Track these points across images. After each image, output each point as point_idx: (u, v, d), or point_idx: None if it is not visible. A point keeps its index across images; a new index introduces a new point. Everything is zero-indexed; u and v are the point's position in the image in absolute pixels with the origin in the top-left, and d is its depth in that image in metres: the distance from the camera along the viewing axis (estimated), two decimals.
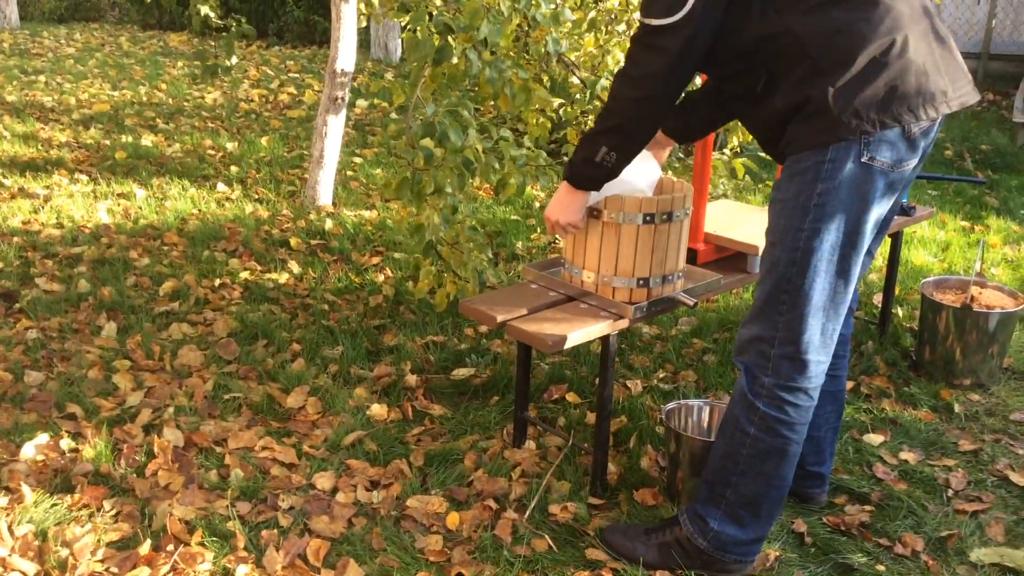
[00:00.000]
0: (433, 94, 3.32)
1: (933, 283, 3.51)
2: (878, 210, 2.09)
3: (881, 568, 2.39)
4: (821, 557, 2.44)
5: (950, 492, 2.73)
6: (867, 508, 2.64)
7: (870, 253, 2.31)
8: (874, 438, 2.98)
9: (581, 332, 2.39)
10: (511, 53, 3.78)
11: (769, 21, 2.01)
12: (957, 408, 3.18)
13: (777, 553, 2.43)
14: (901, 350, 3.56)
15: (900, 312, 3.82)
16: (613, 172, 2.25)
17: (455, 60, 3.13)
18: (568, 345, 2.38)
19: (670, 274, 2.52)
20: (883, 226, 2.28)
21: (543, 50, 3.58)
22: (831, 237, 2.06)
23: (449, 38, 3.08)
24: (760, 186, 5.58)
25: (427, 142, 3.00)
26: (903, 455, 2.90)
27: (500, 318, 2.46)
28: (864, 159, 2.01)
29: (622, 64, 2.22)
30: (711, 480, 2.31)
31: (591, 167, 2.25)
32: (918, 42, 2.00)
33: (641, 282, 2.47)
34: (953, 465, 2.86)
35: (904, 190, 2.20)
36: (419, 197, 3.04)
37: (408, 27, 3.49)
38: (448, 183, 3.09)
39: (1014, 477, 2.79)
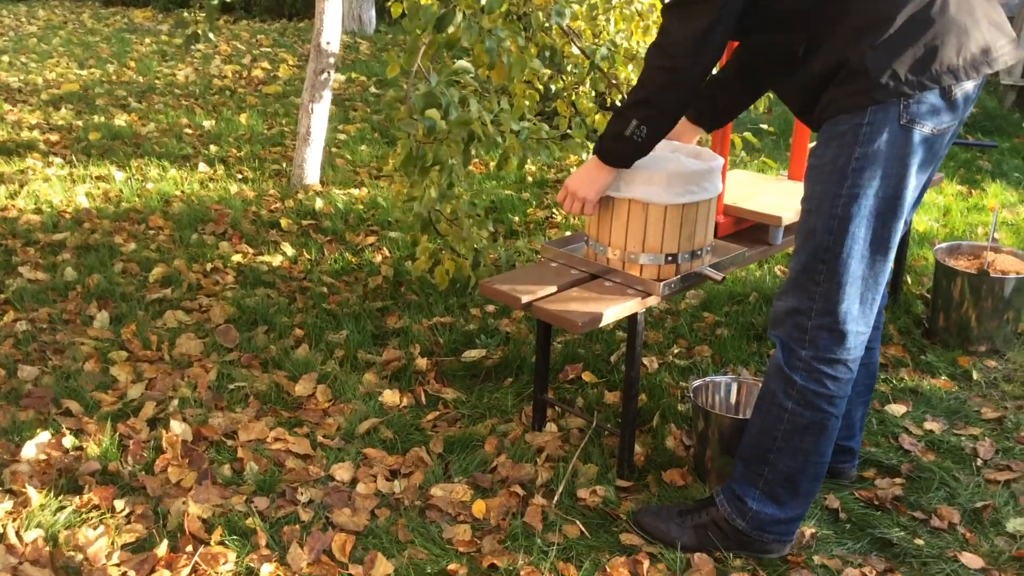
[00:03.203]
0: (432, 63, 3.20)
1: (946, 249, 3.47)
2: (919, 174, 2.02)
3: (919, 542, 2.35)
4: (858, 533, 2.39)
5: (979, 462, 2.69)
6: (898, 481, 2.59)
7: (906, 220, 2.24)
8: (896, 408, 2.94)
9: (611, 311, 2.31)
10: (502, 22, 3.66)
11: None
12: (976, 375, 3.15)
13: (813, 530, 2.38)
14: (913, 317, 3.52)
15: (909, 279, 3.78)
16: (644, 148, 2.17)
17: (451, 29, 3.01)
18: (601, 324, 2.29)
19: (698, 249, 2.44)
20: (922, 191, 2.20)
21: (542, 19, 3.47)
22: (870, 203, 1.99)
23: (451, 3, 2.96)
24: (756, 161, 5.51)
25: (432, 113, 2.89)
26: (928, 425, 2.86)
27: (525, 299, 2.37)
28: (903, 121, 1.94)
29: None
30: (748, 458, 2.24)
31: (621, 141, 2.17)
32: None
33: (670, 258, 2.39)
34: (979, 434, 2.82)
35: (944, 153, 2.13)
36: (423, 171, 2.92)
37: None
38: (452, 157, 2.98)
39: None
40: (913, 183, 2.02)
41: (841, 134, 1.99)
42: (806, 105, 2.10)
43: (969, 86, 1.98)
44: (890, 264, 2.09)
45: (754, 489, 2.23)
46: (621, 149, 2.20)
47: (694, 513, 2.33)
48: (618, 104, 4.06)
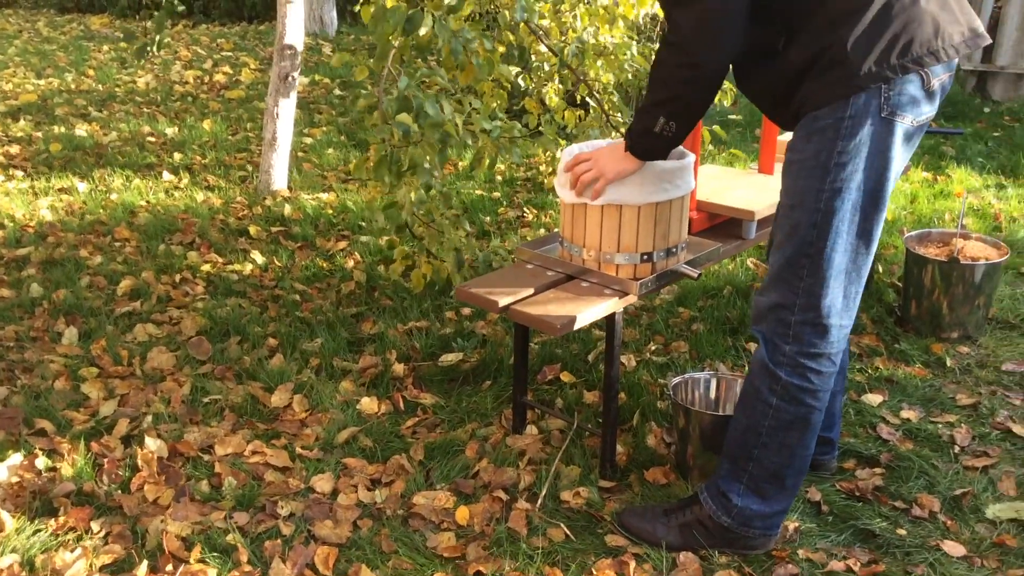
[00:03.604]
0: (401, 66, 3.18)
1: (915, 237, 3.49)
2: (898, 166, 2.03)
3: (902, 532, 2.36)
4: (840, 525, 2.40)
5: (956, 449, 2.71)
6: (878, 471, 2.61)
7: None
8: (873, 398, 2.96)
9: (589, 312, 2.30)
10: (469, 23, 3.64)
11: None
12: (949, 362, 3.17)
13: (796, 524, 2.38)
14: (885, 306, 3.55)
15: (880, 268, 3.80)
16: (676, 140, 2.15)
17: (423, 31, 2.99)
18: (577, 326, 2.28)
19: (673, 246, 2.44)
20: None
21: (509, 18, 3.45)
22: (853, 197, 2.00)
23: (419, 5, 2.93)
24: (724, 154, 5.53)
25: (404, 117, 2.86)
26: (904, 414, 2.88)
27: (502, 302, 2.36)
28: (884, 114, 1.94)
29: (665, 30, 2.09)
30: (732, 454, 2.24)
31: (652, 138, 2.15)
32: None
33: (645, 257, 2.38)
34: (955, 421, 2.84)
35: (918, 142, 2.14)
36: (398, 176, 2.89)
37: None
38: (427, 160, 2.95)
39: (1017, 429, 2.79)
40: (894, 174, 2.03)
41: (823, 128, 1.98)
42: (781, 100, 2.09)
43: (944, 75, 2.00)
44: (872, 255, 2.10)
45: (739, 485, 2.23)
46: (653, 144, 2.18)
47: (679, 512, 2.32)
48: (587, 99, 4.06)
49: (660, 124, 2.10)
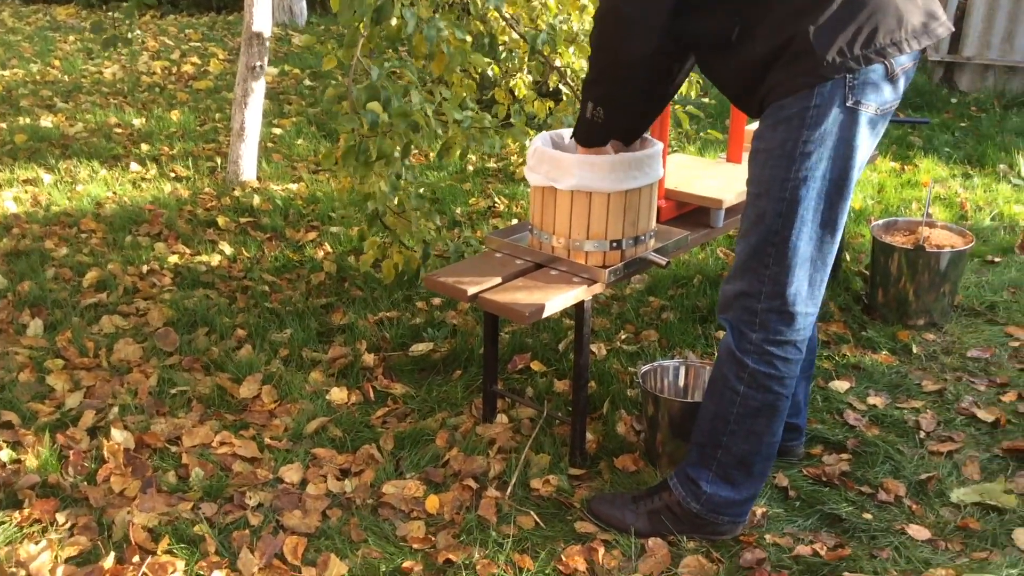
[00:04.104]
0: (370, 55, 3.15)
1: (882, 226, 3.52)
2: (863, 154, 2.04)
3: (868, 516, 2.38)
4: (807, 510, 2.42)
5: (922, 434, 2.74)
6: (844, 456, 2.63)
7: None
8: (840, 385, 2.98)
9: (558, 300, 2.30)
10: (441, 13, 3.62)
11: None
12: (915, 349, 3.21)
13: (764, 509, 2.40)
14: (853, 294, 3.58)
15: (847, 256, 3.84)
16: (609, 128, 2.18)
17: (394, 22, 2.97)
18: (546, 314, 2.28)
19: (642, 234, 2.44)
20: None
21: (480, 6, 3.44)
22: (818, 185, 2.01)
23: None
24: (702, 134, 5.55)
25: (373, 106, 2.84)
26: (871, 400, 2.90)
27: (471, 291, 2.35)
28: (849, 103, 1.96)
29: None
30: (701, 442, 2.25)
31: (584, 124, 2.20)
32: None
33: (614, 244, 2.39)
34: (921, 407, 2.87)
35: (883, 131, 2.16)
36: (367, 166, 2.88)
37: None
38: (393, 151, 2.94)
39: (980, 414, 2.82)
40: (859, 163, 2.05)
41: (788, 118, 1.99)
42: (746, 90, 2.10)
43: (908, 64, 2.01)
44: (837, 244, 2.11)
45: (708, 472, 2.24)
46: (586, 131, 2.22)
47: (647, 499, 2.34)
48: (560, 87, 4.06)
49: (589, 109, 2.13)
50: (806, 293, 2.10)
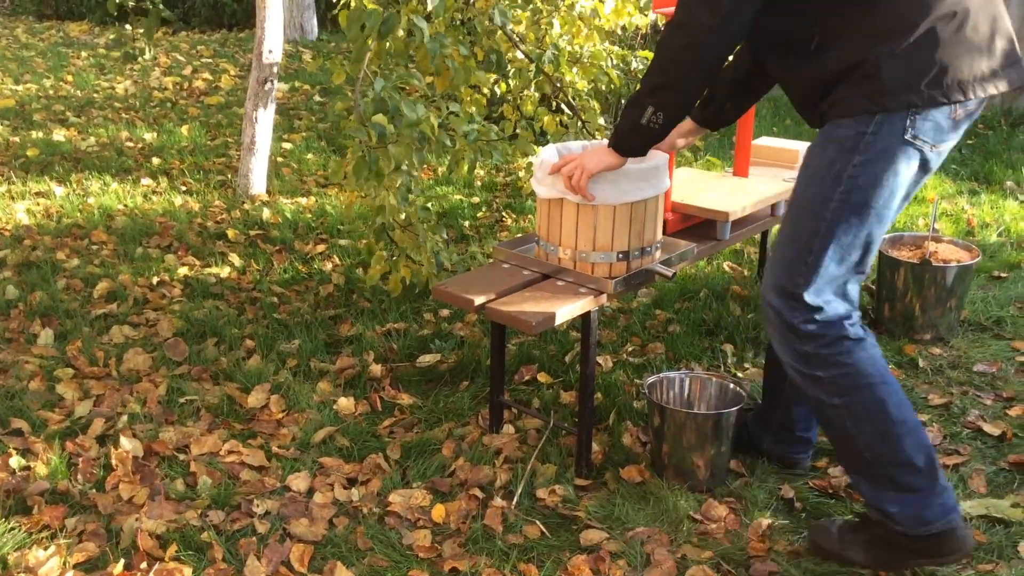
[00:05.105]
0: (378, 68, 3.19)
1: (888, 240, 3.53)
2: (910, 187, 2.03)
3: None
4: (813, 522, 2.42)
5: None
6: None
7: None
8: None
9: (566, 310, 2.32)
10: (446, 29, 3.66)
11: None
12: (922, 363, 3.21)
13: (770, 521, 2.40)
14: (859, 308, 3.57)
15: None
16: (661, 135, 2.15)
17: (401, 33, 3.00)
18: (553, 324, 2.30)
19: (648, 246, 2.46)
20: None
21: (486, 22, 3.47)
22: (859, 211, 2.00)
23: (393, 8, 2.94)
24: (701, 161, 5.57)
25: (380, 118, 2.87)
26: None
27: (478, 301, 2.37)
28: (907, 136, 1.95)
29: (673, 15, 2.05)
30: (855, 470, 2.18)
31: (638, 131, 2.15)
32: (978, 17, 1.95)
33: (621, 256, 2.41)
34: (927, 420, 2.87)
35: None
36: (378, 177, 2.90)
37: (344, 0, 3.34)
38: (405, 161, 2.96)
39: (987, 428, 2.82)
40: (903, 193, 2.03)
41: (842, 139, 1.99)
42: (809, 100, 2.10)
43: (973, 107, 2.00)
44: (868, 269, 2.11)
45: (883, 491, 2.15)
46: (638, 138, 2.17)
47: (863, 528, 2.24)
48: (563, 106, 4.08)
49: (648, 115, 2.09)
50: (841, 302, 2.10)
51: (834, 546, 2.24)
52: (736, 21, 1.98)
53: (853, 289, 2.13)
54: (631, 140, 2.21)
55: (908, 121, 1.94)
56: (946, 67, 1.93)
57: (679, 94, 2.09)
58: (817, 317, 2.08)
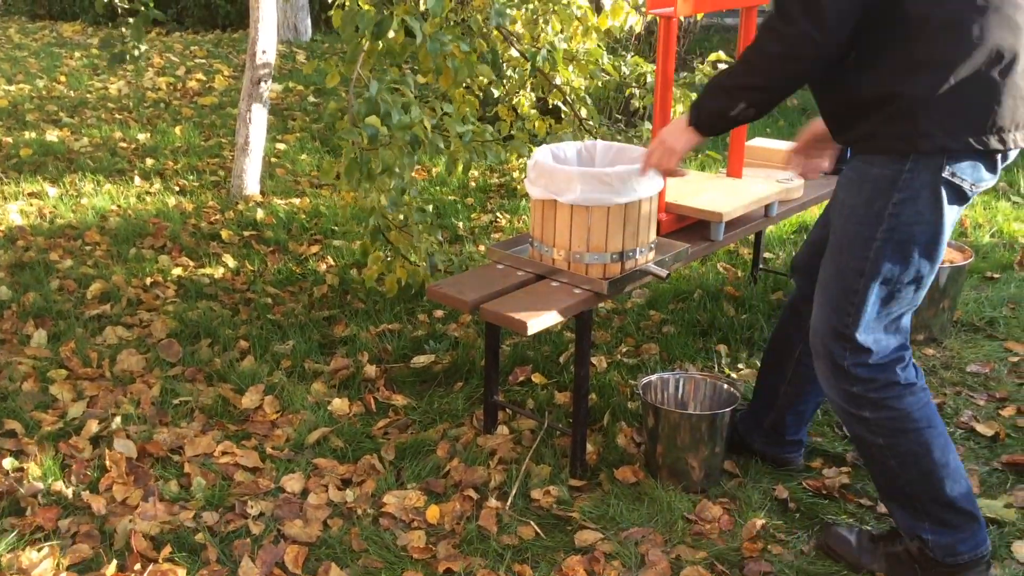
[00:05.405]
0: (372, 70, 3.19)
1: None
2: (953, 218, 2.00)
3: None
4: (806, 522, 2.43)
5: None
6: (844, 470, 2.64)
7: None
8: None
9: (560, 311, 2.32)
10: (444, 27, 3.66)
11: None
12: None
13: (763, 521, 2.41)
14: None
15: None
16: (742, 122, 2.12)
17: (392, 34, 3.00)
18: (547, 325, 2.30)
19: (642, 246, 2.46)
20: None
21: (482, 21, 3.47)
22: (904, 249, 1.97)
23: (386, 10, 2.95)
24: (700, 155, 5.58)
25: (372, 120, 2.87)
26: None
27: (473, 302, 2.37)
28: (945, 174, 1.91)
29: (771, 14, 1.97)
30: (892, 498, 2.19)
31: (726, 119, 2.08)
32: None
33: (614, 256, 2.41)
34: None
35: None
36: (369, 179, 2.90)
37: (339, 1, 3.34)
38: (396, 163, 2.96)
39: (980, 428, 2.83)
40: (948, 225, 1.99)
41: (877, 177, 1.95)
42: (838, 119, 2.06)
43: (1012, 155, 1.98)
44: (919, 302, 2.09)
45: (920, 523, 2.15)
46: (723, 125, 2.12)
47: (888, 540, 2.25)
48: (559, 105, 4.09)
49: (739, 108, 2.03)
50: (891, 345, 2.08)
51: (850, 552, 2.25)
52: (840, 34, 1.89)
53: (906, 319, 2.11)
54: (717, 125, 2.13)
55: (945, 159, 1.90)
56: (986, 114, 1.87)
57: (776, 94, 2.03)
58: (869, 360, 2.07)
